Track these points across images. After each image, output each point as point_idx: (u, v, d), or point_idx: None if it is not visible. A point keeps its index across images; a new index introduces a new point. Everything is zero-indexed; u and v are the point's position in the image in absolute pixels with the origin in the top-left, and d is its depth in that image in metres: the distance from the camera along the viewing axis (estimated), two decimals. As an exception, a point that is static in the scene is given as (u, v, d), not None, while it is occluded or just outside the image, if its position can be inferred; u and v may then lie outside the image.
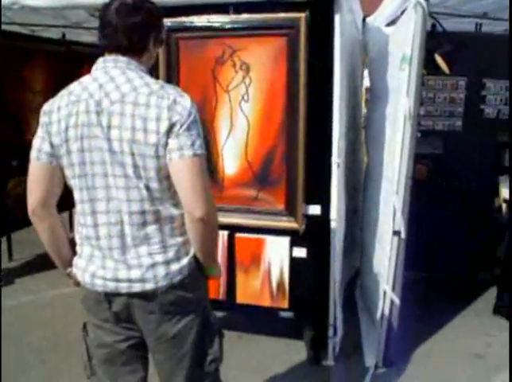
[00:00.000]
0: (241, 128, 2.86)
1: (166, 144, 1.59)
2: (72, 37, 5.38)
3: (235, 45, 2.77)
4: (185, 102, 1.63)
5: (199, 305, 1.80)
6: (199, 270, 1.80)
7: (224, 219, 2.92)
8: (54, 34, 5.19)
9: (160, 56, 2.87)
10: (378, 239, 3.32)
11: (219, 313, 3.44)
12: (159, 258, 1.69)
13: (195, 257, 1.76)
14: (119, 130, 1.60)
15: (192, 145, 1.60)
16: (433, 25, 3.74)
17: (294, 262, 2.94)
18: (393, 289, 2.92)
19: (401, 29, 3.10)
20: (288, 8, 2.65)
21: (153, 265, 1.68)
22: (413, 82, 2.72)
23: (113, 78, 1.65)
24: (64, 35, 5.22)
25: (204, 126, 2.88)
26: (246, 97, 2.81)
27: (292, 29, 2.65)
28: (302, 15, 2.62)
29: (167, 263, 1.70)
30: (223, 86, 2.84)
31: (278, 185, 2.85)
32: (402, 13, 3.10)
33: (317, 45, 2.70)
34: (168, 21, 2.81)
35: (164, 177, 1.63)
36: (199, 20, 2.79)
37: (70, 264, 1.81)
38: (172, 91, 1.64)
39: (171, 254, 1.71)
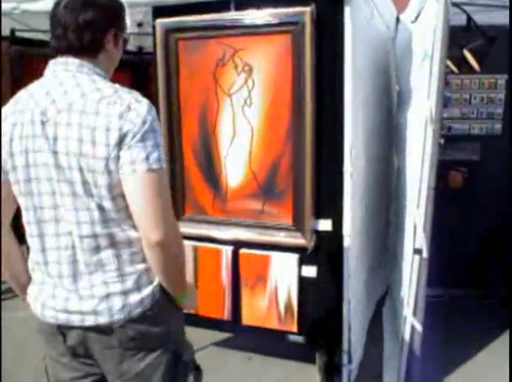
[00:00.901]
0: (244, 135, 2.62)
1: (118, 157, 1.37)
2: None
3: (236, 45, 2.54)
4: (141, 108, 1.41)
5: (167, 340, 1.58)
6: (167, 301, 1.57)
7: (228, 233, 2.71)
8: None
9: (159, 58, 2.68)
10: (403, 255, 3.02)
11: (225, 335, 3.26)
12: (115, 288, 1.47)
13: (161, 286, 1.53)
14: (66, 142, 1.39)
15: (147, 158, 1.37)
16: (468, 19, 3.41)
17: (303, 282, 2.67)
18: (415, 314, 2.61)
19: (422, 22, 2.79)
20: (292, 2, 2.40)
21: (108, 296, 1.47)
22: (434, 81, 2.42)
23: (61, 83, 1.45)
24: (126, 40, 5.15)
25: (206, 132, 2.71)
26: (248, 101, 2.58)
27: (296, 26, 2.39)
28: (307, 9, 2.36)
29: (124, 293, 1.48)
30: (224, 89, 2.61)
31: (285, 197, 2.60)
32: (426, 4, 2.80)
33: (326, 43, 2.43)
34: (166, 21, 2.64)
35: (119, 194, 1.42)
36: (199, 19, 2.57)
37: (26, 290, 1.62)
38: (127, 95, 1.43)
39: (129, 283, 1.49)
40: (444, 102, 3.67)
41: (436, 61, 2.41)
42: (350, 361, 2.70)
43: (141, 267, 1.50)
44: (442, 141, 2.88)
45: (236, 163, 2.66)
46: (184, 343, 1.69)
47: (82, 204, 1.42)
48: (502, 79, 3.59)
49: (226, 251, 2.75)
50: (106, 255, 1.46)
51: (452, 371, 3.00)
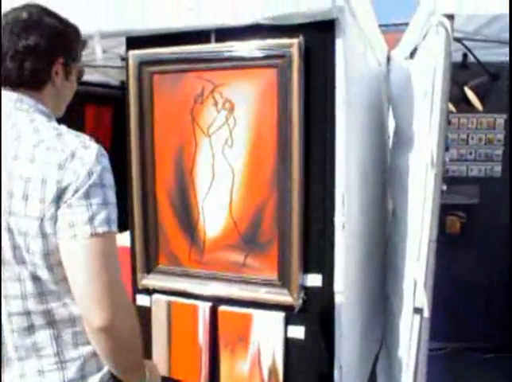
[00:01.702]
0: (224, 179, 2.35)
1: (55, 218, 1.10)
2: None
3: (216, 80, 2.29)
4: (88, 156, 1.14)
5: None
6: (123, 391, 1.27)
7: (205, 288, 2.42)
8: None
9: (131, 93, 2.43)
10: (401, 311, 2.73)
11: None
12: (53, 378, 1.18)
13: (112, 373, 1.24)
14: None
15: (91, 220, 1.10)
16: (465, 55, 3.22)
17: (289, 343, 2.36)
18: (415, 381, 2.31)
19: (422, 58, 2.58)
20: (278, 33, 2.17)
21: (44, 388, 1.17)
22: (435, 121, 2.18)
23: None
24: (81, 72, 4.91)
25: (183, 176, 2.44)
26: (229, 142, 2.32)
27: (282, 59, 2.15)
28: (295, 41, 2.12)
29: (65, 384, 1.18)
30: (203, 129, 2.36)
31: (269, 248, 2.32)
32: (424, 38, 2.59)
33: (315, 78, 2.20)
34: (139, 53, 2.40)
35: (59, 262, 1.14)
36: (175, 51, 2.33)
37: None
38: (72, 140, 1.16)
39: (72, 371, 1.20)
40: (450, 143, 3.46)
41: (437, 100, 2.18)
42: None
43: (86, 350, 1.21)
44: (444, 187, 2.65)
45: (215, 210, 2.38)
46: None
47: (11, 273, 1.13)
48: (501, 119, 3.40)
49: (204, 308, 2.45)
50: (42, 336, 1.18)
51: None
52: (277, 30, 2.17)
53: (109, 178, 1.16)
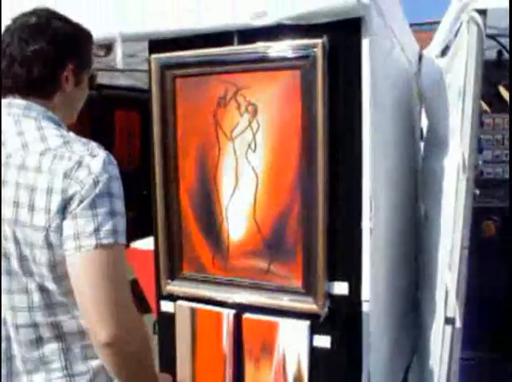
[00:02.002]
0: (248, 184, 2.30)
1: (60, 228, 1.06)
2: (106, 80, 5.10)
3: (239, 83, 2.25)
4: (95, 164, 1.10)
5: None
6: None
7: (229, 296, 2.37)
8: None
9: (154, 97, 2.40)
10: (433, 320, 2.62)
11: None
12: (62, 392, 1.14)
13: (124, 387, 1.20)
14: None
15: (96, 231, 1.06)
16: (499, 53, 3.09)
17: (315, 353, 2.29)
18: (447, 395, 2.21)
19: (453, 56, 2.47)
20: (301, 33, 2.11)
21: (52, 403, 1.14)
22: (467, 123, 2.08)
23: (2, 131, 1.15)
24: (93, 77, 4.94)
25: (206, 180, 2.40)
26: (253, 146, 2.27)
27: (306, 60, 2.09)
28: (318, 41, 2.06)
29: (74, 399, 1.15)
30: (226, 132, 2.31)
31: (293, 255, 2.25)
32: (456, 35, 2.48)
33: (340, 79, 2.13)
34: (162, 56, 2.37)
35: (66, 274, 1.10)
36: (198, 53, 2.30)
37: None
38: (79, 148, 1.12)
39: (80, 386, 1.16)
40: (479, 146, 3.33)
41: (468, 100, 2.08)
42: None
43: (96, 363, 1.17)
44: (477, 191, 2.53)
45: (239, 216, 2.33)
46: None
47: (18, 284, 1.10)
48: (538, 119, 3.24)
49: (228, 315, 2.40)
50: (51, 349, 1.14)
51: None
52: (300, 31, 2.11)
53: (117, 188, 1.12)
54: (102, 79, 5.02)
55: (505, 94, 2.56)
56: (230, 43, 2.27)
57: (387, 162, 2.56)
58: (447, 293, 2.21)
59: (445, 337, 2.21)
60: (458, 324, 2.17)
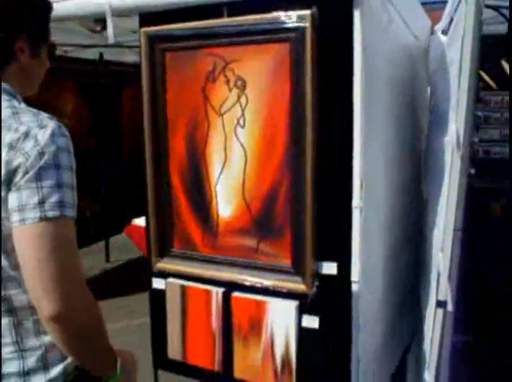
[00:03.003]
0: (237, 160, 2.25)
1: (6, 201, 1.03)
2: (113, 57, 5.07)
3: (228, 56, 2.19)
4: (43, 135, 1.06)
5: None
6: (91, 379, 1.21)
7: (219, 274, 2.34)
8: (91, 55, 4.89)
9: (143, 71, 2.36)
10: (427, 304, 2.56)
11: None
12: (12, 366, 1.13)
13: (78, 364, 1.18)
14: None
15: (41, 203, 1.03)
16: (510, 26, 2.96)
17: (303, 333, 2.26)
18: (437, 379, 2.16)
19: (455, 29, 2.37)
20: (291, 5, 2.03)
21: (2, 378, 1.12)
22: (462, 99, 1.99)
23: None
24: (101, 55, 4.91)
25: (195, 157, 2.35)
26: (241, 121, 2.21)
27: (295, 32, 2.02)
28: (307, 12, 1.98)
29: (25, 374, 1.13)
30: (214, 108, 2.26)
31: (282, 233, 2.21)
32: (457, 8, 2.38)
33: (331, 52, 2.05)
34: (151, 30, 2.32)
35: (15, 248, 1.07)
36: (187, 26, 2.24)
37: None
38: (29, 118, 1.09)
39: (32, 360, 1.14)
40: (481, 122, 3.22)
41: (465, 75, 1.98)
42: (358, 431, 2.27)
43: (49, 339, 1.15)
44: (473, 170, 2.43)
45: (228, 193, 2.30)
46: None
47: None
48: (550, 97, 3.10)
49: (217, 293, 2.38)
50: (2, 324, 1.12)
51: None
52: (290, 2, 2.03)
53: (65, 160, 1.08)
54: (110, 55, 4.99)
55: (507, 69, 2.44)
56: (220, 16, 2.20)
57: (384, 141, 2.48)
58: (439, 276, 2.14)
59: (436, 321, 2.15)
60: (450, 307, 2.11)
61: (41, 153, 1.04)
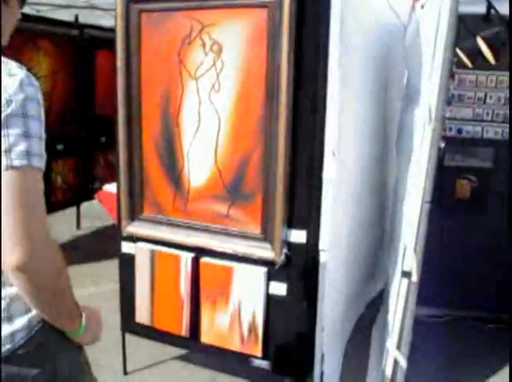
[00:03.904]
0: (210, 126, 2.24)
1: None
2: (88, 19, 4.95)
3: (205, 20, 2.16)
4: (10, 84, 1.04)
5: (52, 383, 1.22)
6: (53, 335, 1.21)
7: (188, 239, 2.35)
8: (66, 16, 4.76)
9: (118, 32, 2.32)
10: (394, 275, 2.62)
11: (184, 351, 2.91)
12: (-24, 317, 1.12)
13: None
14: None
15: (8, 151, 1.01)
16: (489, 8, 2.98)
17: (271, 300, 2.30)
18: (399, 347, 2.22)
19: (431, 4, 2.38)
20: (270, -30, 2.01)
21: (-36, 329, 1.11)
22: (436, 73, 2.01)
23: None
24: (76, 17, 4.79)
25: (169, 121, 2.33)
26: (216, 86, 2.20)
27: (273, -2, 2.00)
28: (286, -21, 1.97)
29: (-13, 324, 1.13)
30: (190, 71, 2.24)
31: (253, 200, 2.22)
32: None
33: (308, 18, 2.04)
34: (128, -11, 2.26)
35: None
36: (165, -13, 2.20)
37: None
38: None
39: (-4, 311, 1.14)
40: (455, 100, 3.26)
41: (439, 50, 2.00)
42: (321, 394, 2.33)
43: (13, 290, 1.13)
44: (442, 144, 2.46)
45: (200, 158, 2.29)
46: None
47: None
48: (523, 78, 3.15)
49: (186, 258, 2.39)
50: None
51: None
52: (269, -34, 2.01)
53: (34, 109, 1.06)
54: (85, 18, 4.87)
55: (483, 46, 2.46)
56: (199, -22, 2.17)
57: (358, 114, 2.50)
58: (405, 247, 2.18)
59: (401, 291, 2.20)
60: (414, 278, 2.15)
61: (9, 101, 1.01)
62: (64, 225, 5.04)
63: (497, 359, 2.94)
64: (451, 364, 2.96)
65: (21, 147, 1.02)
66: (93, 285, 3.81)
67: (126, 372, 2.83)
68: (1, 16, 1.19)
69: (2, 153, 1.01)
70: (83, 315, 1.24)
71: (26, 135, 1.03)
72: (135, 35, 2.30)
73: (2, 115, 1.01)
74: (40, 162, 1.06)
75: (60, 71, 4.51)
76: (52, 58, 4.43)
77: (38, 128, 1.07)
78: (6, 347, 1.14)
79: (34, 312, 1.17)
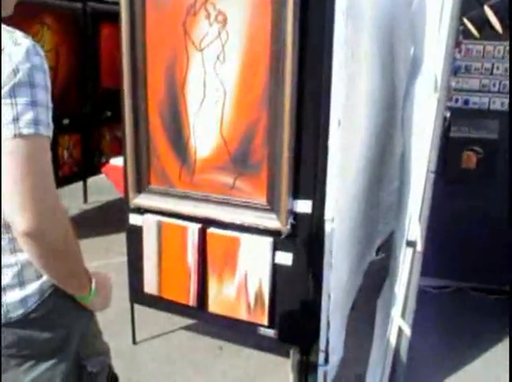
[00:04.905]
0: (215, 96, 2.24)
1: None
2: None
3: (209, -11, 2.14)
4: (16, 53, 1.04)
5: (65, 346, 1.26)
6: (64, 300, 1.24)
7: (195, 210, 2.37)
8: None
9: (122, 5, 2.30)
10: (401, 247, 2.64)
11: (191, 321, 2.96)
12: (-12, 283, 1.15)
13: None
14: None
15: (15, 120, 1.02)
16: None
17: (276, 270, 2.33)
18: (403, 315, 2.25)
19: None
20: None
21: (-22, 294, 1.14)
22: (442, 42, 2.00)
23: None
24: (80, -10, 4.75)
25: (174, 93, 2.34)
26: (221, 57, 2.19)
27: (278, -33, 1.98)
28: None
29: (1, 290, 1.15)
30: (195, 42, 2.23)
31: (258, 171, 2.23)
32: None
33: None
34: (131, -41, 2.24)
35: None
36: (168, -44, 2.18)
37: None
38: (4, 36, 1.06)
39: (8, 276, 1.17)
40: (462, 71, 3.23)
41: (445, 18, 1.99)
42: (326, 361, 2.37)
43: (24, 256, 1.16)
44: (448, 114, 2.45)
45: (206, 129, 2.30)
46: (94, 350, 1.36)
47: None
48: (531, 48, 3.11)
49: (193, 229, 2.41)
50: None
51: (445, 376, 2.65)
52: None
53: (40, 78, 1.06)
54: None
55: (490, 15, 2.43)
56: None
57: (364, 84, 2.49)
58: (410, 217, 2.20)
59: (405, 260, 2.23)
60: (419, 247, 2.18)
61: (16, 71, 1.02)
62: (71, 200, 5.08)
63: (498, 328, 2.98)
64: (454, 333, 3.00)
65: (29, 116, 1.03)
66: (101, 258, 3.85)
67: (135, 342, 2.88)
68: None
69: (10, 122, 1.02)
70: (93, 281, 1.27)
71: (34, 104, 1.04)
72: (139, 7, 2.29)
73: (10, 84, 1.02)
74: (47, 131, 1.08)
75: (63, 45, 4.49)
76: (56, 32, 4.41)
77: (45, 97, 1.08)
78: (19, 311, 1.17)
79: (45, 277, 1.19)
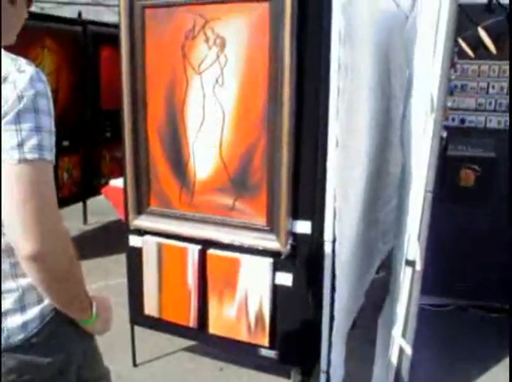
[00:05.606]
0: (215, 119, 2.27)
1: None
2: (91, 16, 4.99)
3: (208, 15, 2.18)
4: (20, 80, 1.07)
5: (65, 370, 1.26)
6: (65, 324, 1.25)
7: (195, 231, 2.38)
8: (68, 13, 4.80)
9: (123, 28, 2.34)
10: (401, 266, 2.64)
11: (192, 342, 2.94)
12: (-11, 308, 1.15)
13: (55, 306, 1.21)
14: None
15: (20, 145, 1.04)
16: (490, -3, 2.99)
17: (277, 290, 2.33)
18: (404, 335, 2.24)
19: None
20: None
21: (-21, 319, 1.15)
22: (437, 63, 2.03)
23: None
24: (80, 14, 4.82)
25: (174, 115, 2.36)
26: (220, 80, 2.22)
27: (275, -8, 2.02)
28: (287, -28, 1.99)
29: (2, 315, 1.16)
30: (194, 66, 2.26)
31: (258, 192, 2.25)
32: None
33: (310, 12, 2.06)
34: (131, -15, 2.28)
35: None
36: (167, -18, 2.22)
37: None
38: (7, 64, 1.09)
39: (8, 302, 1.17)
40: (458, 90, 3.27)
41: (440, 39, 2.01)
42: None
43: (26, 281, 1.17)
44: (444, 134, 2.47)
45: (205, 152, 2.32)
46: (95, 373, 1.37)
47: None
48: (526, 67, 3.15)
49: (193, 250, 2.42)
50: None
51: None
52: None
53: (44, 104, 1.09)
54: (88, 15, 4.90)
55: (484, 36, 2.47)
56: (201, -28, 2.19)
57: (363, 104, 2.51)
58: (409, 236, 2.21)
59: (405, 280, 2.23)
60: (418, 267, 2.18)
61: (20, 97, 1.04)
62: (70, 221, 5.08)
63: (498, 347, 2.97)
64: (454, 351, 2.99)
65: (33, 141, 1.05)
66: (101, 279, 3.85)
67: (135, 364, 2.87)
68: (1, 14, 1.21)
69: (15, 147, 1.04)
70: (94, 304, 1.28)
71: (38, 130, 1.06)
72: (139, 31, 2.33)
73: (15, 110, 1.04)
74: (50, 155, 1.10)
75: (64, 67, 4.54)
76: (57, 55, 4.46)
77: (49, 122, 1.10)
78: (19, 336, 1.17)
79: (47, 302, 1.20)
